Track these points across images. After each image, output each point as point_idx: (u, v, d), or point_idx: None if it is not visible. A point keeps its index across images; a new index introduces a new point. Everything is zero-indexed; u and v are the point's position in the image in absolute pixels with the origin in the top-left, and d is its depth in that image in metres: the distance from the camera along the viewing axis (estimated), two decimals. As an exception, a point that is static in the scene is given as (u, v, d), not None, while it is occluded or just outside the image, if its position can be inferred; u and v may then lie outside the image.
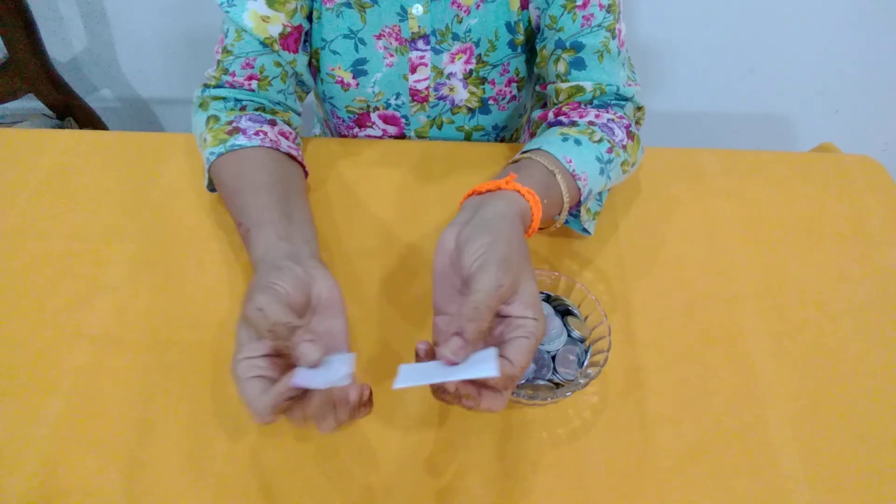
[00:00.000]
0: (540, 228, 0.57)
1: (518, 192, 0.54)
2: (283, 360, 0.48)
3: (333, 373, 0.45)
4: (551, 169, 0.59)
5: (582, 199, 0.62)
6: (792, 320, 0.64)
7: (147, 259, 0.67)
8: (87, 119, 1.29)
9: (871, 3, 1.21)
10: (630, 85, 0.69)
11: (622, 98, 0.69)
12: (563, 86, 0.69)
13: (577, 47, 0.67)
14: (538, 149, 0.61)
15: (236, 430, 0.56)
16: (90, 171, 0.74)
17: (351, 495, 0.53)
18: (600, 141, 0.64)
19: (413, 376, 0.44)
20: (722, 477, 0.54)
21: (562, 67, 0.69)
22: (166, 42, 1.33)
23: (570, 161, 0.60)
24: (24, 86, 1.18)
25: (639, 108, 0.71)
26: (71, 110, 1.26)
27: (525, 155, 0.61)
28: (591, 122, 0.66)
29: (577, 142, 0.63)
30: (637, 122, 0.72)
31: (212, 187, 0.70)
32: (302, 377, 0.44)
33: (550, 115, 0.70)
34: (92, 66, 1.39)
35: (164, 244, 0.68)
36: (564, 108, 0.69)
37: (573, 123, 0.67)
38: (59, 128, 1.26)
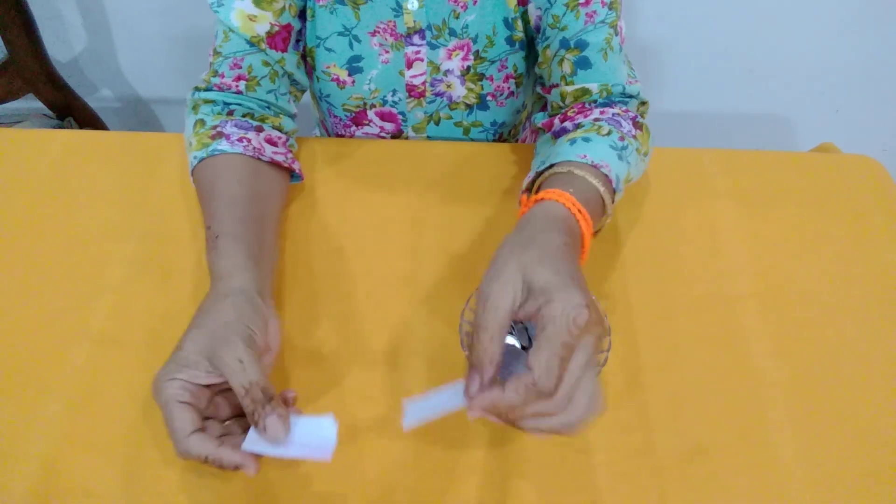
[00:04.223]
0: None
1: (568, 208, 0.54)
2: (211, 390, 0.48)
3: (316, 447, 0.44)
4: (581, 174, 0.58)
5: (613, 184, 0.61)
6: (792, 320, 0.64)
7: (147, 259, 0.67)
8: (87, 119, 1.29)
9: (871, 4, 1.21)
10: (632, 82, 0.69)
11: (627, 96, 0.69)
12: (569, 89, 0.69)
13: (582, 46, 0.67)
14: (549, 167, 0.61)
15: (236, 430, 0.55)
16: (90, 171, 0.74)
17: (351, 495, 0.53)
18: (609, 133, 0.63)
19: (419, 414, 0.45)
20: (722, 477, 0.54)
21: (567, 68, 0.68)
22: (166, 42, 1.34)
23: (585, 156, 0.60)
24: (24, 86, 1.18)
25: (643, 104, 0.71)
26: (71, 110, 1.26)
27: (540, 179, 0.61)
28: (596, 119, 0.66)
29: (586, 139, 0.63)
30: (641, 116, 0.72)
31: None
32: (255, 444, 0.44)
33: (556, 122, 0.69)
34: (92, 66, 1.39)
35: (164, 244, 0.68)
36: (570, 113, 0.69)
37: (578, 126, 0.66)
38: (59, 128, 1.26)
